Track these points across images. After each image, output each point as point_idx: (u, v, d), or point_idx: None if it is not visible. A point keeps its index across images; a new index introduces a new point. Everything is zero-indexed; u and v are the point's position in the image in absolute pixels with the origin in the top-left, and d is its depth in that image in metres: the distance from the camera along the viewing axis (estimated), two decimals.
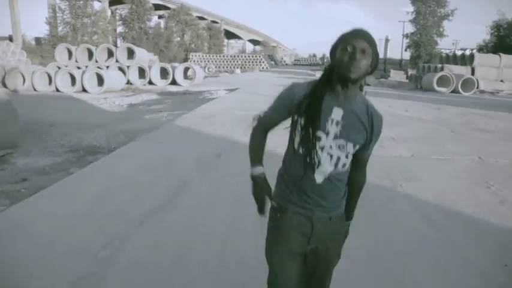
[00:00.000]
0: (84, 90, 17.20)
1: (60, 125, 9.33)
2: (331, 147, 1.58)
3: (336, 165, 1.61)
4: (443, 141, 7.59)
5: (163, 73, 20.36)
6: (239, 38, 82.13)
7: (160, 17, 57.04)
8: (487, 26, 42.35)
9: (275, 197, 1.69)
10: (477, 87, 22.11)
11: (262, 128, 1.75)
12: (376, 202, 4.14)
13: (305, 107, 1.56)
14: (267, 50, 77.06)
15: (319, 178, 1.61)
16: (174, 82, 20.13)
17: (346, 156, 1.63)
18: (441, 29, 38.38)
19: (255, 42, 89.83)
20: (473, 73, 25.29)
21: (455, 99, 17.31)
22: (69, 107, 12.86)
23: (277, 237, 1.68)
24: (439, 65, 26.61)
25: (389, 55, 64.51)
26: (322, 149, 1.58)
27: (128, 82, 19.91)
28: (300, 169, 1.61)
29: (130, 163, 5.42)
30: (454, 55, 29.27)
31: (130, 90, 18.88)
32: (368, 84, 25.92)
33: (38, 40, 48.22)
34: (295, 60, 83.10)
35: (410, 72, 37.93)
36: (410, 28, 39.65)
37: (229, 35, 77.18)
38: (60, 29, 42.00)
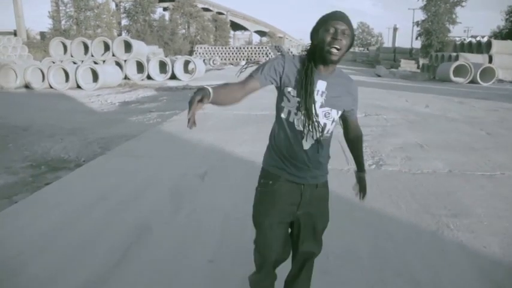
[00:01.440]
0: (79, 86, 15.95)
1: (35, 130, 8.04)
2: (318, 115, 1.70)
3: (322, 130, 1.73)
4: (482, 147, 6.12)
5: (163, 67, 18.97)
6: (245, 29, 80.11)
7: (165, 9, 55.41)
8: (501, 12, 40.12)
9: (266, 165, 1.83)
10: (496, 77, 20.35)
11: (243, 86, 1.74)
12: (418, 265, 2.74)
13: (300, 81, 1.68)
14: (273, 41, 75.07)
15: (306, 145, 1.73)
16: (174, 76, 18.73)
17: (332, 123, 1.76)
18: (454, 16, 36.26)
19: (261, 33, 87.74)
20: (490, 61, 23.54)
21: (477, 91, 15.69)
22: (54, 106, 11.58)
23: (268, 202, 1.79)
24: (454, 54, 24.86)
25: (397, 44, 62.22)
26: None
27: (126, 77, 18.58)
28: (290, 137, 1.74)
29: (80, 196, 4.04)
30: (470, 43, 27.43)
31: (128, 86, 17.55)
32: (379, 75, 24.25)
33: (42, 35, 47.09)
34: (302, 51, 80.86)
35: (421, 61, 36.05)
36: (420, 16, 37.63)
37: (236, 26, 75.28)
38: (63, 22, 40.78)
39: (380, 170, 4.95)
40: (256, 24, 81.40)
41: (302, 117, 1.68)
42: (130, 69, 18.68)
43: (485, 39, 30.00)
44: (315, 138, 1.71)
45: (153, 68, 18.39)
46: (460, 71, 20.46)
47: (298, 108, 1.69)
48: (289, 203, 1.76)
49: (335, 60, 1.65)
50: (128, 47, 18.94)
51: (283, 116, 1.75)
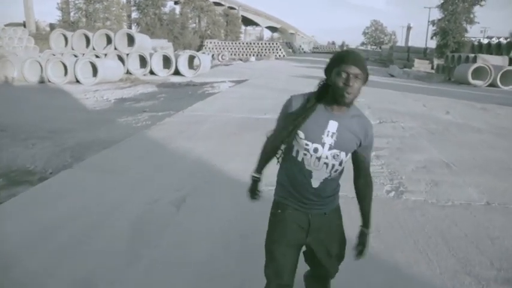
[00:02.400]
0: (78, 80, 15.17)
1: (12, 131, 7.20)
2: (327, 157, 1.68)
3: (330, 172, 1.71)
4: None
5: (168, 62, 18.07)
6: (257, 24, 78.86)
7: (176, 2, 54.48)
8: None
9: (276, 196, 1.84)
10: None
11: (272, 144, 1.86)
12: None
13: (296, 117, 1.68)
14: (285, 37, 73.80)
15: (315, 183, 1.73)
16: (178, 72, 17.83)
17: (340, 164, 1.72)
18: (471, 15, 34.74)
19: (273, 29, 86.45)
20: (510, 64, 22.24)
21: (498, 95, 14.51)
22: (46, 102, 10.78)
23: (277, 229, 1.80)
24: (472, 55, 23.54)
25: (411, 43, 60.57)
26: (319, 158, 1.68)
27: (128, 72, 17.74)
28: (298, 175, 1.73)
29: (15, 235, 3.17)
30: (488, 44, 26.10)
31: (129, 81, 16.70)
32: (392, 76, 23.08)
33: (52, 26, 46.56)
34: (313, 47, 79.42)
35: (436, 62, 34.64)
36: (437, 14, 36.19)
37: (247, 21, 74.07)
38: (72, 14, 40.14)
39: (401, 199, 3.98)
40: (268, 19, 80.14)
41: (310, 158, 1.69)
42: (133, 64, 17.83)
43: (503, 40, 28.62)
44: (323, 178, 1.72)
45: (156, 63, 17.50)
46: (478, 73, 19.22)
47: (306, 149, 1.68)
48: (299, 230, 1.78)
49: (348, 103, 1.63)
50: (131, 40, 18.08)
51: (293, 154, 1.74)
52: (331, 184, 1.75)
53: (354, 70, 1.57)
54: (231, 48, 48.00)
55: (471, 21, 35.06)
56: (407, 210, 3.71)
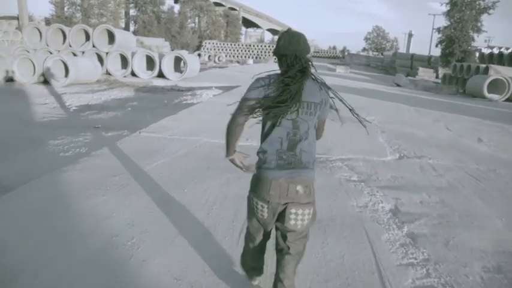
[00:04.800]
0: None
1: None
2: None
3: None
4: None
5: (153, 63, 15.82)
6: (258, 26, 76.42)
7: (175, 1, 52.20)
8: None
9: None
10: None
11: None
12: None
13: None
14: None
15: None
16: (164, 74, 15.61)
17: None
18: (479, 24, 32.57)
19: (274, 31, 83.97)
20: None
21: None
22: None
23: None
24: (483, 65, 21.34)
25: (412, 51, 58.43)
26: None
27: (108, 72, 15.52)
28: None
29: None
30: (500, 54, 23.90)
31: (107, 83, 14.48)
32: (398, 85, 20.91)
33: (47, 21, 44.30)
34: (314, 51, 77.14)
35: (440, 70, 32.47)
36: (441, 22, 33.98)
37: (248, 23, 71.66)
38: (66, 9, 37.89)
39: None
40: (269, 22, 77.76)
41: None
42: (113, 64, 15.60)
43: (504, 50, 26.46)
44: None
45: (138, 64, 15.26)
46: (493, 85, 17.09)
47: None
48: None
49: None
50: (112, 37, 15.84)
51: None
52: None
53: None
54: (230, 50, 45.80)
55: (478, 30, 32.90)
56: None
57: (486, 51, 31.43)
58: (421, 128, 8.28)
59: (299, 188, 1.87)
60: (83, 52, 15.58)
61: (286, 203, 1.89)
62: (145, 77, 15.25)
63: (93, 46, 15.49)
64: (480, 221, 3.60)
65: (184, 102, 10.41)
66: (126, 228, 3.02)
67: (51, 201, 3.44)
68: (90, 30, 15.59)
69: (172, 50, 33.18)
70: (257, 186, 1.94)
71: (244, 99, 1.92)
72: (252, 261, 2.26)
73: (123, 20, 46.25)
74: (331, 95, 1.94)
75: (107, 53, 15.44)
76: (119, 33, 15.72)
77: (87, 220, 3.12)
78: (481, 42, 49.45)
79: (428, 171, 5.12)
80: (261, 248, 2.19)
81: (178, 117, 7.55)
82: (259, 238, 2.12)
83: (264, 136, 1.93)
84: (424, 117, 9.99)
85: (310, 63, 1.88)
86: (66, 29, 15.71)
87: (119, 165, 4.48)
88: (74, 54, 15.60)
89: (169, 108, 9.26)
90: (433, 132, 7.96)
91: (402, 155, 5.87)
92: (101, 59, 15.57)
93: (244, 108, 1.92)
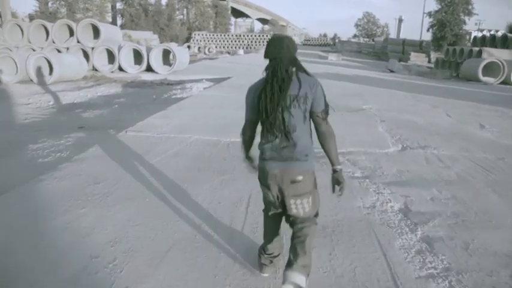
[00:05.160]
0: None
1: None
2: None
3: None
4: None
5: (141, 57, 15.29)
6: (247, 16, 75.42)
7: None
8: None
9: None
10: None
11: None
12: None
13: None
14: (275, 29, 70.56)
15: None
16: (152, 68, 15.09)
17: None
18: (470, 7, 32.25)
19: (263, 21, 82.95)
20: None
21: None
22: None
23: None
24: (476, 48, 21.05)
25: (402, 36, 58.06)
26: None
27: (95, 68, 14.98)
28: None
29: None
30: (493, 36, 23.64)
31: (94, 79, 13.97)
32: (392, 71, 20.57)
33: (31, 17, 43.11)
34: (305, 40, 76.27)
35: (432, 55, 32.17)
36: (432, 6, 33.58)
37: (237, 13, 70.64)
38: (50, 4, 36.87)
39: None
40: (258, 11, 76.79)
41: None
42: (99, 59, 15.05)
43: (499, 33, 26.19)
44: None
45: (125, 58, 14.72)
46: (488, 68, 16.81)
47: None
48: None
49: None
50: (98, 32, 15.26)
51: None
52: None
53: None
54: (220, 41, 45.10)
55: (469, 13, 32.61)
56: None
57: (477, 34, 31.22)
58: (421, 115, 7.96)
59: (292, 179, 2.01)
60: (68, 48, 15.01)
61: (283, 195, 2.07)
62: (133, 71, 14.75)
63: (78, 42, 14.93)
64: (499, 219, 3.29)
65: (173, 96, 9.98)
66: (107, 246, 2.65)
67: (23, 217, 3.05)
68: (73, 25, 14.99)
69: (161, 43, 32.48)
70: (260, 175, 2.16)
71: (246, 111, 2.19)
72: (268, 241, 2.35)
73: (110, 14, 45.27)
74: (317, 87, 2.04)
75: (93, 48, 14.89)
76: (104, 28, 15.14)
77: (62, 239, 2.75)
78: (471, 26, 49.14)
79: (435, 163, 4.80)
80: (275, 230, 2.35)
81: (167, 113, 7.14)
82: (273, 219, 2.31)
83: (261, 131, 2.10)
84: (422, 103, 9.67)
85: (293, 66, 2.06)
86: (48, 25, 15.09)
87: (103, 170, 4.09)
88: (58, 51, 15.04)
89: (158, 104, 8.84)
90: (433, 119, 7.65)
91: (405, 145, 5.54)
92: (86, 55, 15.02)
93: (248, 119, 2.20)
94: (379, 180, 4.08)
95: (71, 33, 15.33)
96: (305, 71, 2.08)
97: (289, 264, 2.05)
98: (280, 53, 2.02)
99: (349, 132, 6.08)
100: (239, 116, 6.73)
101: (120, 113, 8.00)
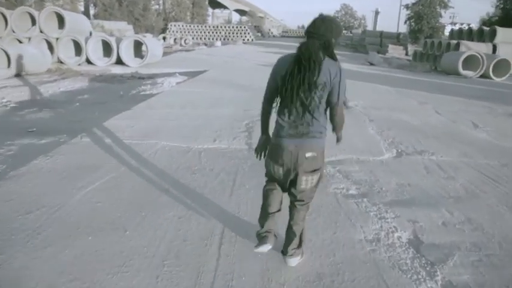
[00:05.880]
0: None
1: None
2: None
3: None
4: None
5: (110, 49, 14.15)
6: (225, 7, 73.72)
7: None
8: None
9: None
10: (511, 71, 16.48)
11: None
12: None
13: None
14: (254, 20, 69.34)
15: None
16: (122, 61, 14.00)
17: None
18: (446, 0, 32.18)
19: (241, 12, 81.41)
20: (494, 51, 19.75)
21: (505, 91, 11.80)
22: None
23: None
24: (454, 41, 20.81)
25: (379, 28, 57.99)
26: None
27: (60, 61, 13.77)
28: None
29: None
30: (470, 30, 23.48)
31: (59, 73, 12.81)
32: (372, 64, 20.08)
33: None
34: (283, 31, 75.41)
35: (410, 47, 32.03)
36: None
37: (215, 4, 68.85)
38: None
39: None
40: (236, 2, 75.16)
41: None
42: (66, 51, 13.83)
43: (472, 27, 26.17)
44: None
45: (93, 50, 13.56)
46: (467, 62, 16.50)
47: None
48: None
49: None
50: (63, 21, 14.02)
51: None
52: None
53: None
54: (197, 32, 43.74)
55: (445, 6, 32.58)
56: None
57: (452, 27, 31.23)
58: (410, 113, 7.36)
59: (307, 155, 2.07)
60: (29, 39, 13.74)
61: (297, 171, 2.10)
62: (102, 64, 13.63)
63: (41, 31, 13.66)
64: None
65: (142, 93, 9.04)
66: None
67: None
68: (35, 13, 13.70)
69: (136, 34, 31.01)
70: (273, 152, 2.15)
71: (270, 81, 2.12)
72: (264, 219, 2.34)
73: (82, 4, 43.19)
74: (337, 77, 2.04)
75: (57, 39, 13.66)
76: (69, 16, 13.91)
77: None
78: (446, 19, 49.44)
79: (436, 173, 4.17)
80: (274, 207, 2.29)
81: (132, 113, 6.26)
82: (274, 195, 2.27)
83: (279, 109, 2.10)
84: (408, 98, 9.10)
85: (327, 50, 2.01)
86: (7, 13, 13.73)
87: (41, 192, 3.25)
88: (20, 42, 13.77)
89: (125, 102, 7.93)
90: (424, 117, 7.06)
91: (400, 150, 4.90)
92: (51, 47, 13.79)
93: (270, 89, 2.15)
94: (379, 199, 3.40)
95: (34, 22, 14.03)
96: (334, 57, 2.05)
97: (285, 251, 2.36)
98: (326, 35, 1.97)
99: None
100: (213, 115, 5.91)
101: (81, 112, 7.06)
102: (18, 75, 11.48)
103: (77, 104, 7.88)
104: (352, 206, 3.23)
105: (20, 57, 11.47)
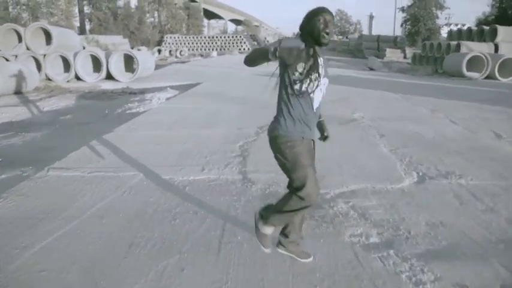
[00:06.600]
0: None
1: None
2: (324, 83, 2.11)
3: (322, 96, 2.13)
4: None
5: (99, 64, 13.45)
6: (220, 17, 73.45)
7: None
8: None
9: (288, 132, 2.08)
10: None
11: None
12: None
13: (308, 58, 1.99)
14: (249, 29, 68.89)
15: (314, 108, 2.11)
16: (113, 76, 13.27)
17: (325, 88, 2.14)
18: (441, 1, 31.60)
19: (237, 22, 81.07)
20: (496, 51, 19.06)
21: None
22: None
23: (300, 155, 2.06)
24: (454, 42, 20.12)
25: (375, 32, 57.55)
26: (318, 85, 2.06)
27: (48, 78, 13.07)
28: (304, 104, 2.06)
29: None
30: (469, 30, 22.81)
31: (47, 90, 12.10)
32: (372, 69, 19.38)
33: None
34: (278, 39, 75.02)
35: (408, 50, 31.37)
36: (405, 1, 32.77)
37: (210, 14, 68.56)
38: (10, 9, 34.18)
39: None
40: (231, 12, 74.94)
41: (313, 85, 2.01)
42: (54, 68, 13.15)
43: (471, 27, 25.52)
44: (319, 102, 2.12)
45: (82, 66, 12.87)
46: (470, 63, 15.79)
47: (310, 79, 1.99)
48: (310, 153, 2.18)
49: (326, 43, 2.04)
50: (50, 37, 13.34)
51: (296, 87, 2.01)
52: (319, 109, 2.17)
53: (329, 17, 2.01)
54: (192, 43, 43.24)
55: (441, 7, 32.00)
56: None
57: (446, 29, 30.61)
58: (422, 123, 6.59)
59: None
60: (16, 56, 13.06)
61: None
62: (92, 80, 12.92)
63: (28, 48, 12.98)
64: None
65: (128, 111, 8.28)
66: None
67: None
68: (21, 30, 13.03)
69: (132, 47, 30.42)
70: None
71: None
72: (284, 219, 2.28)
73: (78, 19, 42.76)
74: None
75: (45, 56, 12.97)
76: (56, 32, 13.25)
77: None
78: (441, 20, 48.93)
79: (471, 204, 3.38)
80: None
81: (113, 136, 5.49)
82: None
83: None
84: (416, 106, 8.35)
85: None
86: None
87: None
88: (6, 60, 13.09)
89: (109, 121, 7.17)
90: (439, 128, 6.28)
91: (421, 173, 4.11)
92: (39, 64, 13.11)
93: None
94: (409, 249, 2.61)
95: (21, 39, 13.36)
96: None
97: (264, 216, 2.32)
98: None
99: (346, 156, 4.62)
100: (204, 136, 5.05)
101: (57, 137, 6.28)
102: (3, 95, 10.77)
103: (57, 126, 7.12)
104: (377, 263, 2.44)
105: (3, 76, 10.76)
